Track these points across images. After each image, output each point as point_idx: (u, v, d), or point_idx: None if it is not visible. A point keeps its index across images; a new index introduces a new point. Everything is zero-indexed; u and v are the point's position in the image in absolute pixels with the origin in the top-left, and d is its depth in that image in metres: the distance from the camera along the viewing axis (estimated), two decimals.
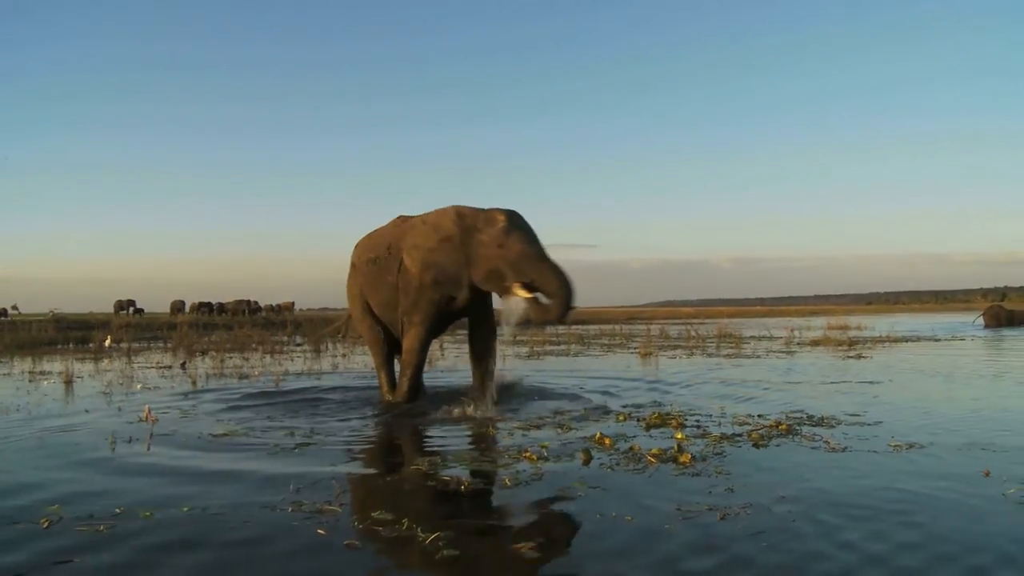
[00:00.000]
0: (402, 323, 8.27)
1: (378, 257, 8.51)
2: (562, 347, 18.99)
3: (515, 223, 7.72)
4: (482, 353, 8.52)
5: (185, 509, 4.19)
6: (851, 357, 15.28)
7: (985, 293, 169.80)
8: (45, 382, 11.08)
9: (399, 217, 8.80)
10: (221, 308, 48.95)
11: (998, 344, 20.61)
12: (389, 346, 8.86)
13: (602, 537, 3.77)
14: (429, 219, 8.12)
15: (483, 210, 7.92)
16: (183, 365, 13.57)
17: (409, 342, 8.19)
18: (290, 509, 4.17)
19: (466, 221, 7.85)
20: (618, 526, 3.91)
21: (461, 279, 7.83)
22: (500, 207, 7.87)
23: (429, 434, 6.74)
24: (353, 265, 8.93)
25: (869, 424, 6.86)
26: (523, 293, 7.48)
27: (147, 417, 7.21)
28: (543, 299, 7.48)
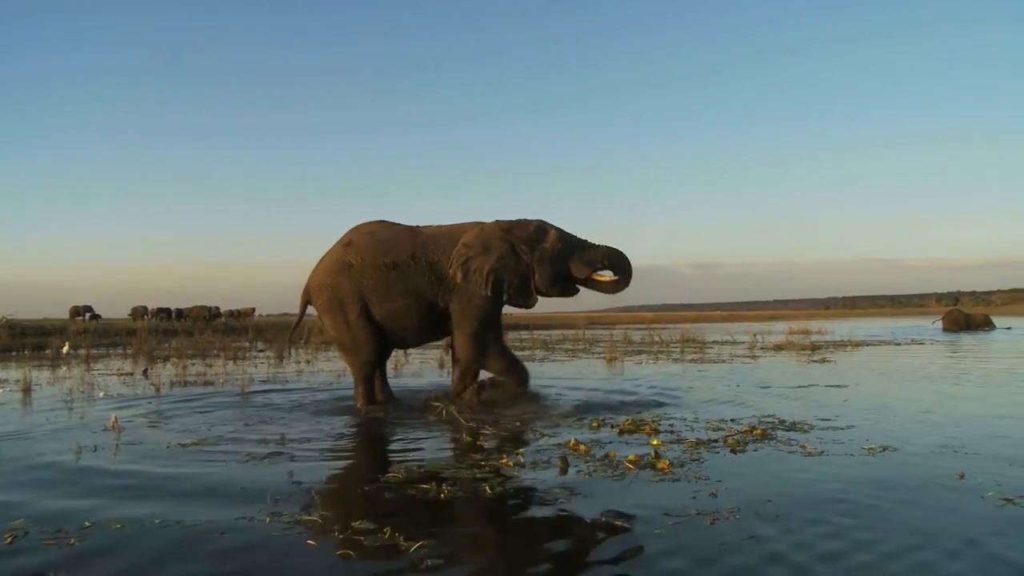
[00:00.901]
0: (473, 342, 8.50)
1: (398, 263, 8.39)
2: (526, 352, 18.96)
3: (559, 229, 8.70)
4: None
5: (158, 522, 4.08)
6: (815, 361, 15.46)
7: (939, 298, 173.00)
8: (1, 390, 10.79)
9: (404, 225, 8.84)
10: (180, 314, 48.32)
11: (958, 348, 20.97)
12: (379, 355, 8.71)
13: (597, 544, 3.76)
14: (472, 240, 8.44)
15: (519, 222, 8.69)
16: (145, 372, 13.30)
17: (496, 354, 8.65)
18: (268, 520, 4.08)
19: (514, 235, 8.57)
20: (610, 533, 3.90)
21: (531, 290, 8.60)
22: (529, 218, 8.75)
23: (403, 441, 6.66)
24: (351, 265, 8.47)
25: (841, 428, 6.92)
26: (604, 277, 8.78)
27: (113, 426, 7.05)
28: (614, 274, 8.78)
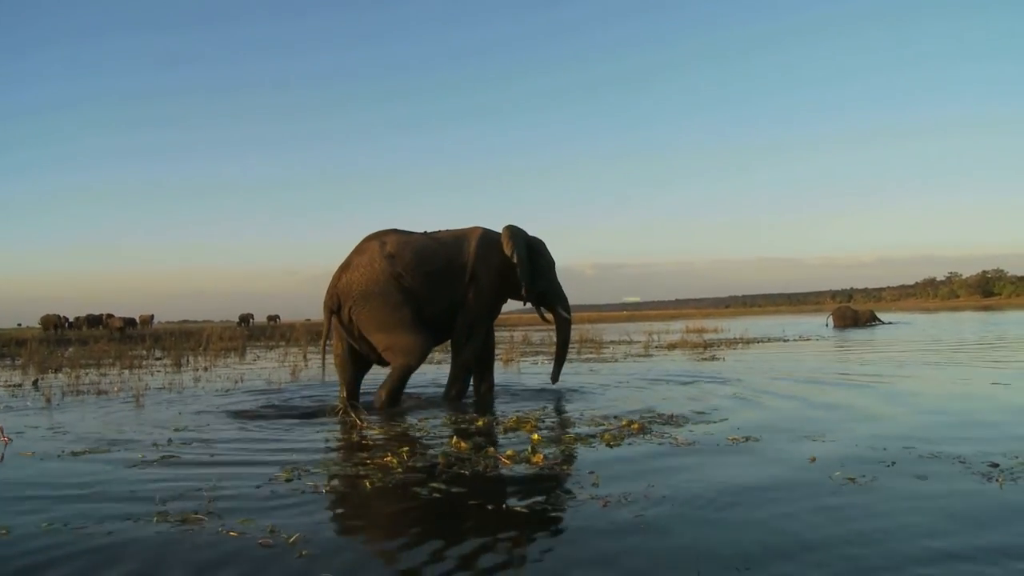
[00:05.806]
0: (464, 330, 9.19)
1: (442, 271, 8.91)
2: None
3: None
4: (490, 361, 9.93)
5: (44, 525, 4.21)
6: (705, 359, 16.16)
7: (834, 295, 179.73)
8: None
9: (422, 233, 9.21)
10: (75, 322, 46.95)
11: (842, 344, 22.19)
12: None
13: (490, 530, 4.07)
14: (509, 237, 9.26)
15: (534, 237, 9.83)
16: (35, 383, 13.06)
17: (472, 350, 9.30)
18: (155, 520, 4.26)
19: (531, 244, 9.64)
20: (507, 519, 4.25)
21: (536, 291, 9.63)
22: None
23: (290, 441, 6.87)
24: (400, 276, 8.59)
25: (715, 422, 7.39)
26: (563, 315, 10.13)
27: None
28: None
